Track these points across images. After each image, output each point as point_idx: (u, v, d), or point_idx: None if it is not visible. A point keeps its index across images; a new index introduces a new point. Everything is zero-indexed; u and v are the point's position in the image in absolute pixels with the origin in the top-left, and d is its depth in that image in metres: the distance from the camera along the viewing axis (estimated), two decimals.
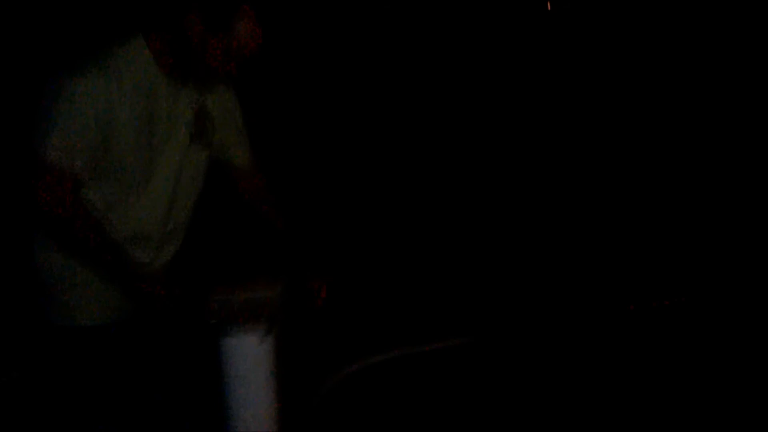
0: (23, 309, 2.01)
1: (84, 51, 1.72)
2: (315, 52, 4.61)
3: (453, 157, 4.75)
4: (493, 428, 2.77)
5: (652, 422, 2.73)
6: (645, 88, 4.77)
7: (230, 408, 1.90)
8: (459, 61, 4.96)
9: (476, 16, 4.82)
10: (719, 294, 3.53)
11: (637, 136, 4.71)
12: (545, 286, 3.73)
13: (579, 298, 3.62)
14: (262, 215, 2.11)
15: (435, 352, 3.19)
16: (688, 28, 4.67)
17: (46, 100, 1.67)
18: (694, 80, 4.65)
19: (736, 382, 2.91)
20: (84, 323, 1.86)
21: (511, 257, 4.03)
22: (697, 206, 4.35)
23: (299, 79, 4.56)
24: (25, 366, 2.76)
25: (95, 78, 1.66)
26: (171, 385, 1.97)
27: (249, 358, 1.88)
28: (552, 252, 4.05)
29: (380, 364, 3.09)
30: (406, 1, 4.76)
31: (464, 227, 4.31)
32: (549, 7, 4.62)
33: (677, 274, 3.79)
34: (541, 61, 4.91)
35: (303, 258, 2.01)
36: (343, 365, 3.03)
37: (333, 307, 2.01)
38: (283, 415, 1.93)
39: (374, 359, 3.09)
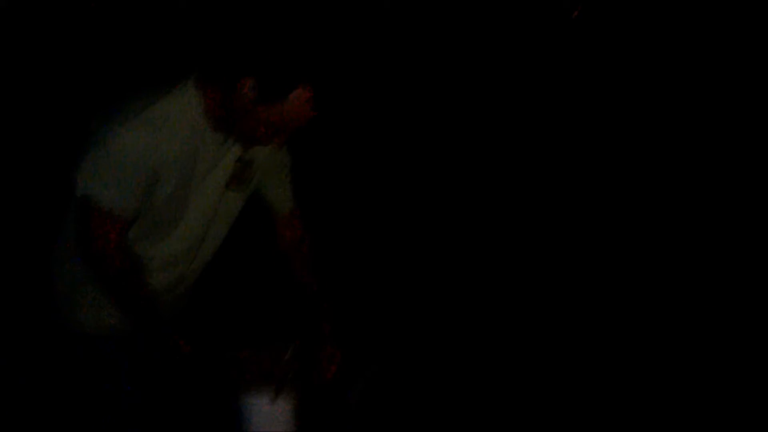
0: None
1: (136, 94, 1.71)
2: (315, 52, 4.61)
3: (456, 159, 4.75)
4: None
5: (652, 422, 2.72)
6: (651, 89, 4.78)
7: None
8: (459, 60, 4.96)
9: (476, 16, 4.82)
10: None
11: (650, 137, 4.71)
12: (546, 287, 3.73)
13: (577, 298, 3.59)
14: (294, 270, 2.09)
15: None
16: (688, 28, 4.68)
17: (99, 148, 1.65)
18: (696, 82, 4.66)
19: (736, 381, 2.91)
20: (97, 332, 1.89)
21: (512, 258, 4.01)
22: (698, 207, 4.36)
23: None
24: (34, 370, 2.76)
25: (149, 129, 1.65)
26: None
27: (260, 418, 1.88)
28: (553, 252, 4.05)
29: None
30: (406, 1, 4.76)
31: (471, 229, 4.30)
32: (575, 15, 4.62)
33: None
34: (542, 60, 4.91)
35: (319, 322, 1.99)
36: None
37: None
38: None
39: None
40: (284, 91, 1.61)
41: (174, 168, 1.71)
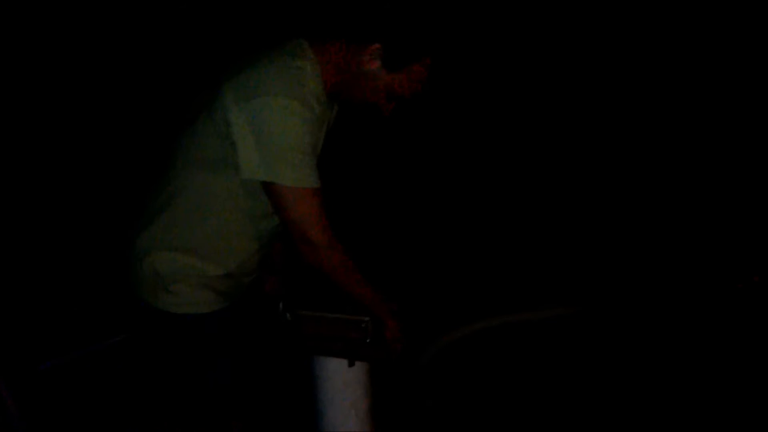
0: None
1: (252, 63, 1.66)
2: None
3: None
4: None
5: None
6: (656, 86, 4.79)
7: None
8: (459, 60, 4.89)
9: (475, 16, 4.78)
10: None
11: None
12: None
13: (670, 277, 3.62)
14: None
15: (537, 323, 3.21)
16: (688, 28, 4.68)
17: (268, 120, 1.59)
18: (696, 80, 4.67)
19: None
20: (192, 311, 1.81)
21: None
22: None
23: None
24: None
25: (300, 98, 1.62)
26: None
27: (340, 380, 1.92)
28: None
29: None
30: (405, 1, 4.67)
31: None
32: None
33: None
34: (543, 59, 4.89)
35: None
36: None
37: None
38: None
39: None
40: (406, 61, 1.65)
41: (318, 135, 1.72)
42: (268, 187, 1.65)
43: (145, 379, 2.21)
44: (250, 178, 1.64)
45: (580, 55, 4.82)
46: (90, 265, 3.42)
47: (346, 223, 1.94)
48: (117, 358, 2.86)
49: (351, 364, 1.91)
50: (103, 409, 2.71)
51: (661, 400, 2.75)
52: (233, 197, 1.72)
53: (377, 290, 1.79)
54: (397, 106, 1.76)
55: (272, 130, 1.59)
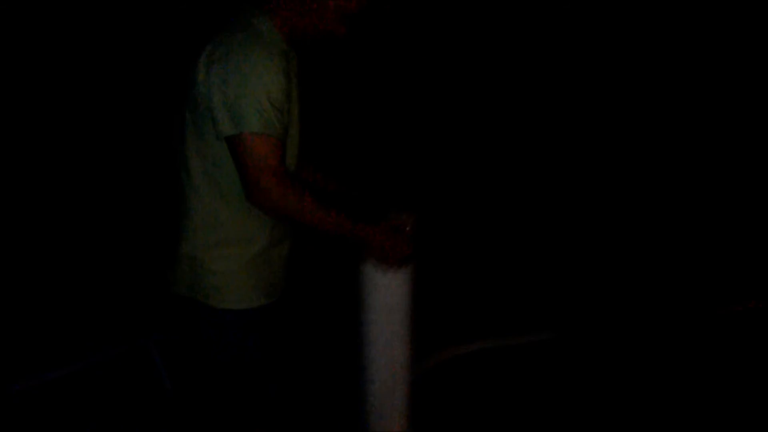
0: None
1: (222, 36, 1.74)
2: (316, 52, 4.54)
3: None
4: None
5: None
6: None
7: (368, 334, 1.97)
8: (459, 60, 4.98)
9: (475, 15, 4.89)
10: None
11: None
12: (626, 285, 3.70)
13: (662, 297, 3.59)
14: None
15: (516, 347, 3.14)
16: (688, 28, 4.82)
17: (236, 75, 1.66)
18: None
19: None
20: (238, 306, 1.85)
21: (592, 255, 4.00)
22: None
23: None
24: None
25: (269, 55, 1.69)
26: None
27: (389, 284, 1.92)
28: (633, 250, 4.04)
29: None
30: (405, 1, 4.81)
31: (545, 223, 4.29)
32: None
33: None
34: (543, 59, 4.98)
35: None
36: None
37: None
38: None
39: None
40: None
41: (289, 87, 1.76)
42: (230, 139, 1.69)
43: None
44: (221, 137, 1.69)
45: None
46: (85, 270, 3.39)
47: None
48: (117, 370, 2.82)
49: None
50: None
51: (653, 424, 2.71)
52: (232, 169, 1.75)
53: (350, 216, 1.80)
54: (350, 28, 1.84)
55: (236, 82, 1.65)
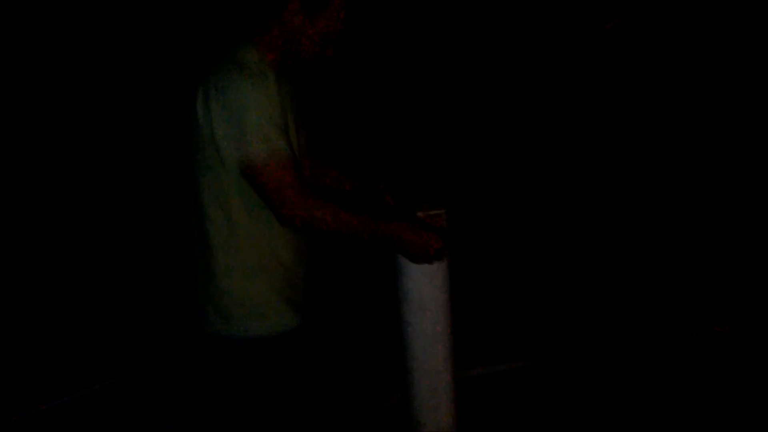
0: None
1: (210, 68, 1.81)
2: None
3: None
4: None
5: None
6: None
7: (408, 324, 1.99)
8: (459, 60, 4.98)
9: (475, 15, 4.90)
10: None
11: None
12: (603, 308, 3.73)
13: (640, 321, 3.61)
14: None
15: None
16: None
17: (234, 109, 1.72)
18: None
19: None
20: (261, 334, 1.86)
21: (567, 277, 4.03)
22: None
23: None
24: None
25: (262, 82, 1.76)
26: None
27: (426, 275, 1.95)
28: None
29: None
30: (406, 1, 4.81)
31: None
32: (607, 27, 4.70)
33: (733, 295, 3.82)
34: (545, 58, 5.02)
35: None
36: None
37: None
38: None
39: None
40: (322, 3, 1.83)
41: (285, 107, 1.82)
42: (245, 170, 1.74)
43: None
44: (231, 168, 1.75)
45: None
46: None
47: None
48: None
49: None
50: None
51: None
52: (246, 196, 1.80)
53: (378, 219, 1.81)
54: (336, 50, 1.91)
55: (237, 111, 1.71)
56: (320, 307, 2.01)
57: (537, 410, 2.84)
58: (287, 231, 1.83)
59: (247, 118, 1.70)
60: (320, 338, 1.98)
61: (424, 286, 1.96)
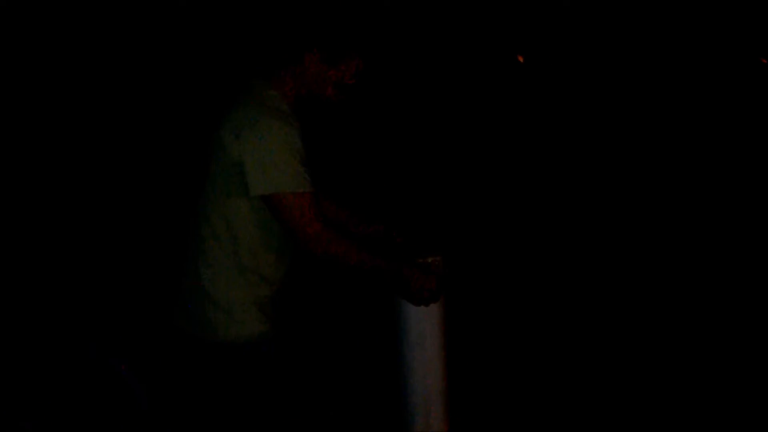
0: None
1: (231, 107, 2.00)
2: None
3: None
4: None
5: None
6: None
7: (406, 364, 2.15)
8: (460, 60, 5.02)
9: (475, 15, 4.94)
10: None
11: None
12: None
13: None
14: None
15: None
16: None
17: (265, 144, 1.91)
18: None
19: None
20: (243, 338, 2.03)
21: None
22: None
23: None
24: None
25: (288, 121, 1.97)
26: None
27: (425, 317, 2.13)
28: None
29: None
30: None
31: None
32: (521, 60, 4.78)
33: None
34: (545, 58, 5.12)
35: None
36: None
37: None
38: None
39: None
40: (341, 54, 2.01)
41: (301, 145, 2.00)
42: (270, 199, 1.93)
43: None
44: (255, 194, 1.93)
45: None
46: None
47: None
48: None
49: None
50: None
51: None
52: (252, 219, 1.99)
53: (386, 257, 2.03)
54: (348, 96, 2.09)
55: (267, 147, 1.91)
56: (300, 319, 2.20)
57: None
58: (280, 255, 2.03)
59: (278, 154, 1.89)
60: (297, 346, 2.16)
61: (421, 323, 2.14)
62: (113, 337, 3.25)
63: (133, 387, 2.65)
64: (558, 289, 3.95)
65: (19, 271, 3.47)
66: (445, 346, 2.18)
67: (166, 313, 2.13)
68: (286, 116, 1.96)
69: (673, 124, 5.04)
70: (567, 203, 4.77)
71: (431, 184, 4.57)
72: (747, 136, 4.83)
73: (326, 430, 2.36)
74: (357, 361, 3.14)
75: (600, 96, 5.12)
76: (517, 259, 4.25)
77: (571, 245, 4.37)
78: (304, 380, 2.20)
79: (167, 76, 4.03)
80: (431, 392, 2.18)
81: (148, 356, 3.01)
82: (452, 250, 2.28)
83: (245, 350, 2.01)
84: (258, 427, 2.05)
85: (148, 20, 4.05)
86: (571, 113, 5.08)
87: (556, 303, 3.83)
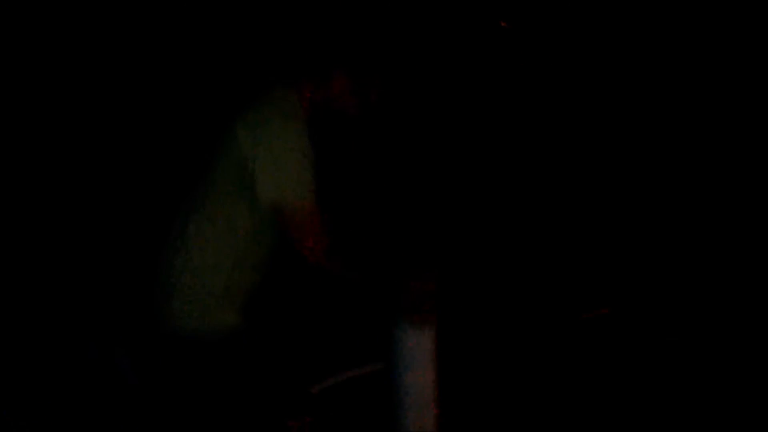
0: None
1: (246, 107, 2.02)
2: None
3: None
4: None
5: None
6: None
7: (398, 391, 2.10)
8: (464, 59, 5.01)
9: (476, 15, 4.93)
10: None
11: None
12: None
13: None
14: None
15: None
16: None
17: (279, 152, 1.91)
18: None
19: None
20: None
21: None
22: None
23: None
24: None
25: (304, 127, 1.99)
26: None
27: (416, 344, 2.08)
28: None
29: None
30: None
31: None
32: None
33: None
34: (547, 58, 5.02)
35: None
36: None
37: None
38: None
39: None
40: (364, 72, 2.06)
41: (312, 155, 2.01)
42: (275, 203, 1.93)
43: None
44: (262, 195, 1.93)
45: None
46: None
47: None
48: None
49: None
50: None
51: None
52: (243, 224, 1.98)
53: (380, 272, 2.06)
54: (367, 113, 2.12)
55: (283, 154, 1.92)
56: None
57: None
58: (258, 265, 2.03)
59: (291, 163, 1.90)
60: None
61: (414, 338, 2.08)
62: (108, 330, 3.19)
63: (119, 362, 2.58)
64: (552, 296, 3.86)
65: (19, 271, 3.45)
66: (437, 365, 2.12)
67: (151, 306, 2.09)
68: (303, 125, 1.97)
69: (674, 123, 5.00)
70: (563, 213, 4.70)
71: (427, 197, 4.52)
72: (747, 136, 4.80)
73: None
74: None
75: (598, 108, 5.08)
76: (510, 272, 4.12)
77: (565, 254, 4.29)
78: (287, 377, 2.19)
79: (172, 77, 4.00)
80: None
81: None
82: (446, 265, 2.21)
83: (221, 343, 2.00)
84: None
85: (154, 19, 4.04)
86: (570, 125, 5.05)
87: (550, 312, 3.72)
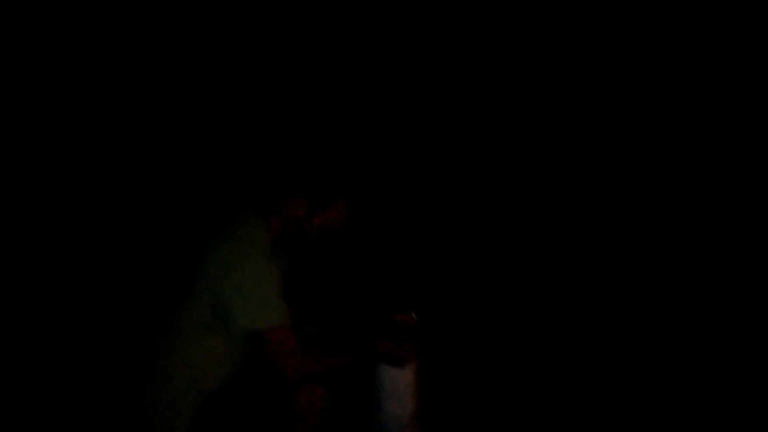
0: None
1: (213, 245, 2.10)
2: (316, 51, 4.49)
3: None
4: None
5: None
6: None
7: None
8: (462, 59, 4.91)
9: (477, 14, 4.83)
10: None
11: None
12: None
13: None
14: None
15: None
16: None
17: (252, 283, 2.01)
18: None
19: None
20: None
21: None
22: None
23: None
24: None
25: (272, 257, 2.08)
26: None
27: (397, 377, 2.21)
28: None
29: None
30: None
31: None
32: None
33: None
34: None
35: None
36: None
37: None
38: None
39: None
40: (327, 202, 2.14)
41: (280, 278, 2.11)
42: (253, 333, 2.03)
43: None
44: (239, 328, 2.02)
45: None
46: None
47: None
48: None
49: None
50: None
51: None
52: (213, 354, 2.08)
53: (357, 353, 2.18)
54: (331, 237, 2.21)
55: (255, 284, 2.01)
56: None
57: None
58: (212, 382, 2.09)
59: (261, 293, 2.00)
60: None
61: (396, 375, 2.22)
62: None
63: None
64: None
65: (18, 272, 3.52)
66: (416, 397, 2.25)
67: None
68: (272, 253, 2.06)
69: (674, 124, 4.97)
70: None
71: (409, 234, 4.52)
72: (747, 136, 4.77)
73: None
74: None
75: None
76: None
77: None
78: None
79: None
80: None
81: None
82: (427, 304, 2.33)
83: None
84: None
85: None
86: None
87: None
